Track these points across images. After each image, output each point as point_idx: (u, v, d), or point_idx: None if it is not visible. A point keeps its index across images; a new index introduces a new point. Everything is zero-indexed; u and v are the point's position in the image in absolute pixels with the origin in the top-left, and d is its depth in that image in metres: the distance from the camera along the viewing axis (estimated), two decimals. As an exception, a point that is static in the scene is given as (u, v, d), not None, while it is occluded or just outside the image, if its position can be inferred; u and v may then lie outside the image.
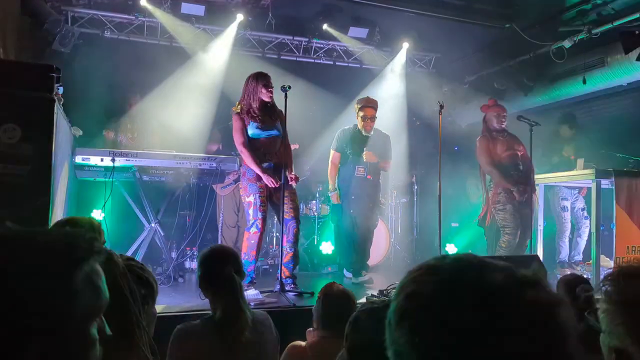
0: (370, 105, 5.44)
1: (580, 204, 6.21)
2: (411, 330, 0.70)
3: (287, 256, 4.49)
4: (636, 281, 0.97)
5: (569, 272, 6.03)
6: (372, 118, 5.42)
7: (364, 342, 1.53)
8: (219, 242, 5.88)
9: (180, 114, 6.30)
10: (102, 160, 4.65)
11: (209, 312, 2.28)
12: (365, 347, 1.49)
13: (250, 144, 4.45)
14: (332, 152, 5.55)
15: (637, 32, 5.30)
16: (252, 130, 4.44)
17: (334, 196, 5.54)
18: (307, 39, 7.25)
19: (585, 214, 6.17)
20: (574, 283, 2.67)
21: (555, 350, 0.69)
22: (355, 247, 5.48)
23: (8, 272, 0.77)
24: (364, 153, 5.37)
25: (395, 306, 0.73)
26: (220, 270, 2.23)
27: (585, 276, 5.71)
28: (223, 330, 2.15)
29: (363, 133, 5.44)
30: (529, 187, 5.47)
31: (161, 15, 6.41)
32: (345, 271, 5.67)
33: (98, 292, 0.85)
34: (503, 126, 5.58)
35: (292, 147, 4.97)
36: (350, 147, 5.42)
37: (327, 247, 6.33)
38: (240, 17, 6.67)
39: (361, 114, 5.42)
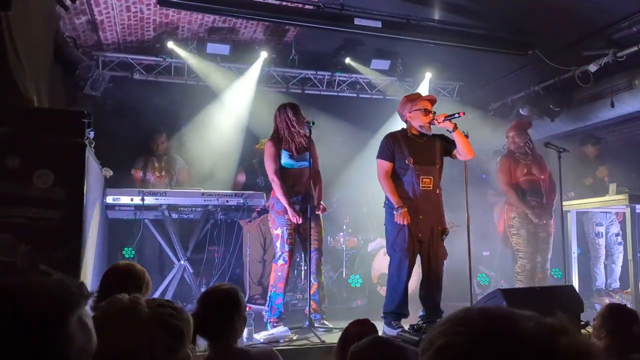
0: (427, 98, 4.38)
1: (615, 229, 6.06)
2: None
3: (313, 288, 4.48)
4: None
5: (607, 301, 5.87)
6: (433, 113, 4.31)
7: None
8: (246, 278, 5.89)
9: (207, 151, 6.43)
10: (132, 199, 4.76)
11: None
12: None
13: (281, 173, 4.49)
14: (381, 162, 4.30)
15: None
16: (284, 160, 4.49)
17: (402, 215, 4.11)
18: (330, 73, 7.35)
19: (619, 239, 6.01)
20: (629, 319, 2.54)
21: None
22: (426, 285, 4.33)
23: (9, 322, 0.82)
24: (436, 117, 4.23)
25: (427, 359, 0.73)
26: (203, 313, 2.23)
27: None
28: None
29: (423, 131, 4.32)
30: (546, 211, 5.44)
31: (188, 56, 6.59)
32: (386, 326, 4.20)
33: (89, 334, 0.89)
34: (519, 147, 5.59)
35: None
36: (408, 153, 4.24)
37: (356, 280, 6.27)
38: (264, 54, 6.81)
39: (418, 107, 4.27)
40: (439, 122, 4.24)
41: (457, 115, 4.23)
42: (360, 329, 2.29)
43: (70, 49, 5.22)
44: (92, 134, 3.54)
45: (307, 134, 4.50)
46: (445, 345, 0.72)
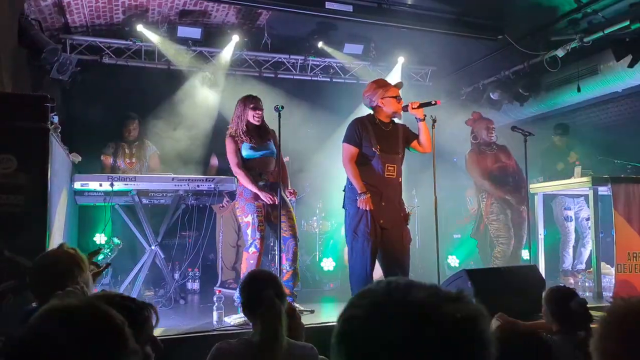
0: (396, 85, 4.35)
1: (585, 213, 6.19)
2: (347, 352, 0.75)
3: (287, 274, 4.49)
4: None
5: (571, 280, 6.04)
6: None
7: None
8: (219, 263, 5.90)
9: (178, 136, 6.39)
10: (100, 185, 4.71)
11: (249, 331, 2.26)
12: None
13: (245, 164, 4.49)
14: (348, 146, 4.25)
15: (627, 40, 5.34)
16: (245, 152, 4.49)
17: (365, 201, 4.11)
18: (303, 57, 7.33)
19: (590, 224, 6.15)
20: (567, 298, 2.61)
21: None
22: (391, 270, 4.25)
23: None
24: (410, 103, 4.26)
25: (335, 330, 0.79)
26: (259, 294, 2.19)
27: (587, 284, 5.75)
28: (258, 354, 2.13)
29: (394, 118, 4.35)
30: (521, 196, 5.56)
31: (158, 40, 6.50)
32: None
33: None
34: (492, 139, 5.69)
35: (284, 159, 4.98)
36: (375, 140, 4.22)
37: (328, 264, 6.34)
38: (236, 38, 6.74)
39: (389, 94, 4.25)
40: (413, 109, 4.23)
41: (433, 103, 4.23)
42: None
43: (35, 32, 5.11)
44: (56, 119, 3.50)
45: (266, 124, 4.59)
46: (349, 316, 0.78)
